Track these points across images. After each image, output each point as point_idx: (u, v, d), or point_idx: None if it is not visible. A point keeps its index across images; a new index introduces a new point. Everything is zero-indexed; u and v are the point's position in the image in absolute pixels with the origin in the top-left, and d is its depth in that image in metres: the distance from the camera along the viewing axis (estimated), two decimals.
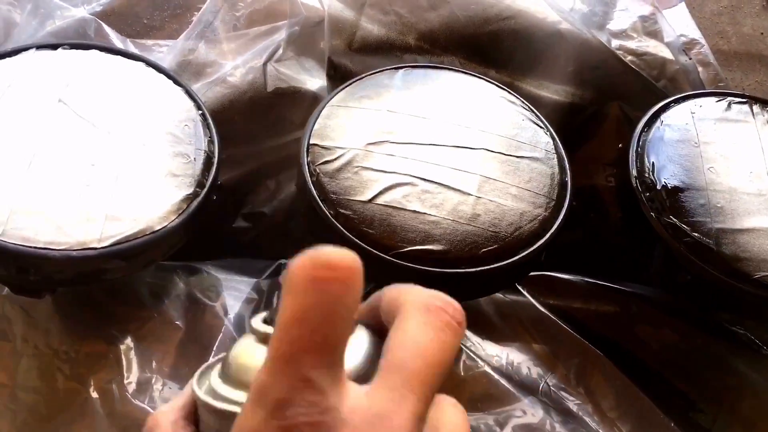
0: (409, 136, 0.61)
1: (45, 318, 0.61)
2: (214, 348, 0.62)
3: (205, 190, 0.59)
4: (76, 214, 0.54)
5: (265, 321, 0.30)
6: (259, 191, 0.73)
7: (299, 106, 0.73)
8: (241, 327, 0.64)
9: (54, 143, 0.57)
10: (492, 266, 0.56)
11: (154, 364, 0.61)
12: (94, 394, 0.59)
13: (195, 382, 0.30)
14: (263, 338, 0.29)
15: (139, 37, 0.76)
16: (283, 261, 0.69)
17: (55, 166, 0.55)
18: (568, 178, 0.62)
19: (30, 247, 0.52)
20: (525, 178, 0.60)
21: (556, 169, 0.62)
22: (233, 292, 0.66)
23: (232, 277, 0.67)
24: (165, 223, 0.56)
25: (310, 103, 0.73)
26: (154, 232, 0.55)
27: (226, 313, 0.64)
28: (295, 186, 0.71)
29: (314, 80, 0.74)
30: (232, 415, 0.26)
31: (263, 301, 0.65)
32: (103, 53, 0.65)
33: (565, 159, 0.63)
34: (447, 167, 0.59)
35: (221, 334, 0.63)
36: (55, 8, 0.71)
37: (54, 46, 0.64)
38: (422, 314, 0.27)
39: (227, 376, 0.29)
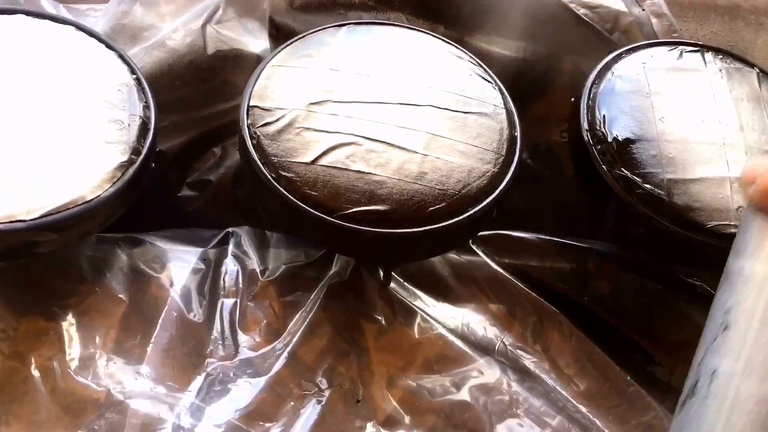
0: (352, 94, 0.59)
1: None
2: (160, 320, 0.60)
3: (141, 157, 0.57)
4: (3, 186, 0.51)
5: None
6: (204, 158, 0.71)
7: (243, 69, 0.70)
8: (188, 298, 0.62)
9: None
10: (440, 225, 0.54)
11: (97, 339, 0.59)
12: (35, 373, 0.57)
13: None
14: None
15: (72, 2, 0.73)
16: (230, 230, 0.67)
17: None
18: (518, 134, 0.61)
19: None
20: (473, 134, 0.59)
21: (505, 125, 0.60)
22: (179, 262, 0.64)
23: (177, 248, 0.65)
24: (99, 192, 0.54)
25: (254, 65, 0.70)
26: (86, 202, 0.53)
27: (171, 284, 0.62)
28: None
29: (257, 42, 0.72)
30: None
31: (210, 270, 0.64)
32: (30, 18, 0.61)
33: (515, 114, 0.62)
34: (392, 125, 0.58)
35: (167, 306, 0.61)
36: None
37: None
38: None
39: None
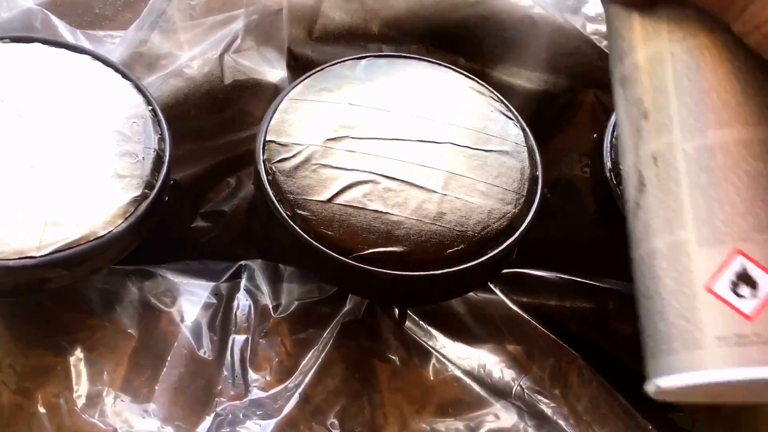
0: (371, 130, 0.58)
1: None
2: (169, 357, 0.58)
3: (155, 191, 0.56)
4: (14, 220, 0.50)
5: None
6: (218, 189, 0.70)
7: (260, 99, 0.69)
8: (198, 334, 0.60)
9: None
10: (458, 268, 0.53)
11: (105, 375, 0.58)
12: (41, 409, 0.55)
13: None
14: None
15: (90, 28, 0.72)
16: (243, 263, 0.66)
17: None
18: (539, 172, 0.59)
19: None
20: (493, 174, 0.57)
21: (527, 163, 0.59)
22: (190, 296, 0.63)
23: (189, 281, 0.64)
24: (110, 228, 0.53)
25: (271, 95, 0.69)
26: (98, 238, 0.52)
27: (182, 319, 0.61)
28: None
29: (275, 71, 0.71)
30: None
31: (222, 305, 0.62)
32: (46, 46, 0.61)
33: (536, 152, 0.60)
34: (411, 163, 0.56)
35: (177, 342, 0.59)
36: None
37: None
38: None
39: None
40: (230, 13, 0.68)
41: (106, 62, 0.62)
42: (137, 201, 0.55)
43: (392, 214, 0.54)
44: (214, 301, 0.63)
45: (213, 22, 0.69)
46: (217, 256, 0.68)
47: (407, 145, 0.57)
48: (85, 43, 0.68)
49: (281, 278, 0.65)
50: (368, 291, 0.57)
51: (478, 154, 0.58)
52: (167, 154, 0.58)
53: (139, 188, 0.55)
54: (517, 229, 0.56)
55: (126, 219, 0.54)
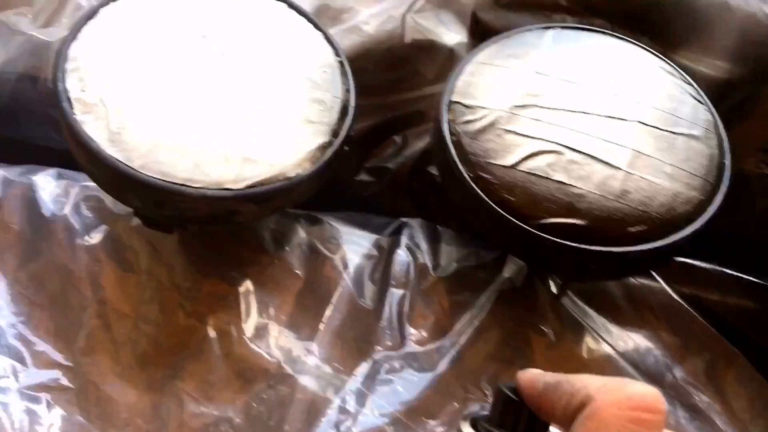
0: (557, 101, 0.57)
1: (170, 254, 0.61)
2: (333, 301, 0.60)
3: (340, 139, 0.57)
4: (214, 153, 0.53)
5: (474, 426, 0.28)
6: (384, 146, 0.71)
7: (434, 61, 0.70)
8: (359, 283, 0.62)
9: (196, 80, 0.56)
10: (639, 248, 0.52)
11: (271, 310, 0.60)
12: (212, 334, 0.59)
13: None
14: None
15: None
16: (403, 219, 0.67)
17: (197, 103, 0.55)
18: (727, 161, 0.57)
19: (168, 181, 0.51)
20: (681, 157, 0.56)
21: (716, 151, 0.57)
22: (353, 246, 0.64)
23: (353, 231, 0.65)
24: (299, 171, 0.55)
25: (446, 58, 0.70)
26: (288, 179, 0.54)
27: (345, 266, 0.63)
28: (428, 143, 0.69)
29: (451, 35, 0.71)
30: None
31: (383, 258, 0.64)
32: None
33: (725, 140, 0.58)
34: (596, 137, 0.56)
35: (339, 288, 0.61)
36: None
37: None
38: (620, 411, 0.25)
39: None
40: None
41: (300, 11, 0.63)
42: (324, 147, 0.56)
43: (575, 187, 0.53)
44: (376, 253, 0.64)
45: None
46: (377, 210, 0.69)
47: (593, 119, 0.57)
48: None
49: (439, 239, 0.66)
50: (540, 260, 0.57)
51: (666, 135, 0.57)
52: (352, 104, 0.59)
53: (326, 135, 0.57)
54: (701, 216, 0.54)
55: (313, 163, 0.55)
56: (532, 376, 0.29)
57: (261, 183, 0.53)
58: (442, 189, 0.67)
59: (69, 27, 0.58)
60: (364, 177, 0.71)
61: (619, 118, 0.57)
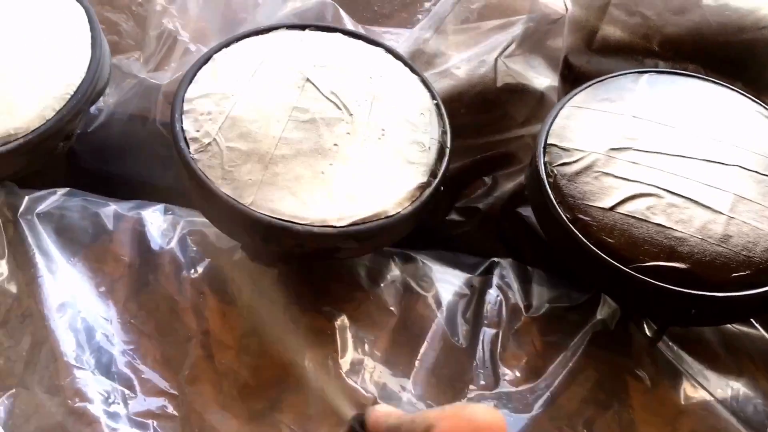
0: (654, 144, 0.58)
1: (270, 288, 0.63)
2: (427, 339, 0.61)
3: (438, 180, 0.59)
4: (319, 192, 0.55)
5: None
6: (474, 186, 0.73)
7: (525, 104, 0.71)
8: (453, 321, 0.63)
9: (301, 122, 0.58)
10: (743, 293, 0.52)
11: (366, 346, 0.61)
12: (310, 367, 0.60)
13: None
14: None
15: (369, 24, 0.77)
16: (495, 259, 0.67)
17: (302, 143, 0.57)
18: None
19: (276, 218, 0.54)
20: None
21: None
22: (445, 284, 0.65)
23: (444, 269, 0.66)
24: (399, 209, 0.56)
25: (537, 101, 0.71)
26: (388, 217, 0.56)
27: (438, 304, 0.64)
28: (519, 184, 0.70)
29: (540, 79, 0.72)
30: None
31: (474, 297, 0.65)
32: (346, 36, 0.66)
33: None
34: (696, 181, 0.56)
35: (433, 326, 0.62)
36: None
37: (302, 27, 0.66)
38: None
39: None
40: (509, 18, 0.71)
41: (397, 56, 0.66)
42: (422, 187, 0.58)
43: (676, 230, 0.53)
44: (467, 292, 0.65)
45: (490, 26, 0.71)
46: (467, 250, 0.70)
47: (692, 162, 0.57)
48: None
49: (530, 279, 0.67)
50: (638, 303, 0.57)
51: (767, 180, 0.56)
52: (449, 146, 0.61)
53: (425, 175, 0.59)
54: None
55: (412, 203, 0.57)
56: (378, 415, 0.28)
57: (363, 221, 0.55)
58: (534, 230, 0.67)
59: (183, 71, 0.61)
60: (455, 217, 0.72)
61: (718, 162, 0.57)
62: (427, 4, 0.77)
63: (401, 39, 0.75)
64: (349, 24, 0.75)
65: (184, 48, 0.73)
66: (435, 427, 0.23)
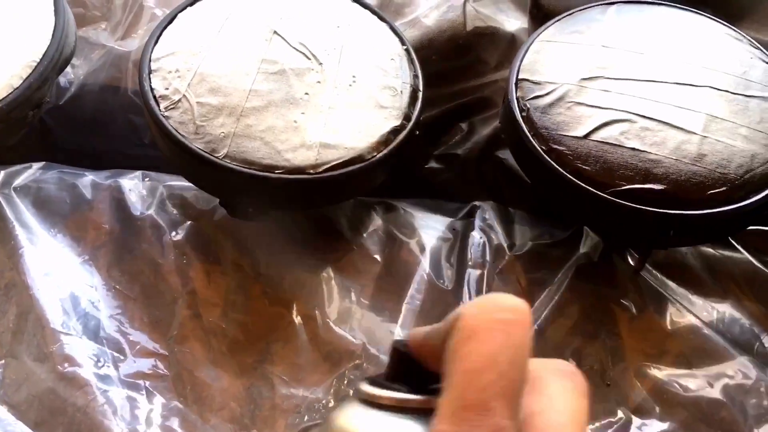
0: (625, 71, 0.58)
1: (253, 245, 0.63)
2: (413, 283, 0.62)
3: (411, 123, 0.59)
4: (293, 140, 0.55)
5: (373, 384, 0.29)
6: (452, 133, 0.72)
7: (496, 47, 0.71)
8: (437, 265, 0.63)
9: (270, 73, 0.58)
10: (720, 209, 0.52)
11: (353, 294, 0.62)
12: (298, 319, 0.60)
13: None
14: (373, 402, 0.28)
15: None
16: (476, 203, 0.68)
17: (273, 94, 0.57)
18: None
19: (251, 169, 0.54)
20: (756, 119, 0.55)
21: None
22: (428, 230, 0.65)
23: (426, 215, 0.67)
24: (374, 153, 0.56)
25: (508, 44, 0.71)
26: (364, 161, 0.56)
27: (422, 249, 0.64)
28: (496, 127, 0.70)
29: (511, 21, 0.72)
30: None
31: (458, 240, 0.65)
32: None
33: None
34: (668, 104, 0.56)
35: (419, 270, 0.62)
36: None
37: None
38: (562, 379, 0.25)
39: None
40: None
41: (364, 5, 0.65)
42: (396, 130, 0.58)
43: (650, 153, 0.54)
44: (450, 236, 0.65)
45: None
46: (448, 197, 0.70)
47: (663, 86, 0.57)
48: None
49: (512, 220, 0.67)
50: (618, 230, 0.57)
51: (738, 98, 0.56)
52: (421, 89, 0.61)
53: (398, 119, 0.58)
54: None
55: (387, 146, 0.57)
56: (417, 329, 0.29)
57: (340, 166, 0.55)
58: (513, 172, 0.68)
59: (149, 33, 0.61)
60: (434, 164, 0.72)
61: (689, 85, 0.57)
62: None
63: None
64: None
65: (151, 14, 0.73)
66: (462, 314, 0.24)
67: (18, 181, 0.65)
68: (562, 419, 0.24)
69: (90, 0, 0.75)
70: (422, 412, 0.27)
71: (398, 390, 0.27)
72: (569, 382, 0.25)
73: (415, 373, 0.27)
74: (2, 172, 0.65)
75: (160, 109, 0.55)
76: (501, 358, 0.22)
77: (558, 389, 0.24)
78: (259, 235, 0.63)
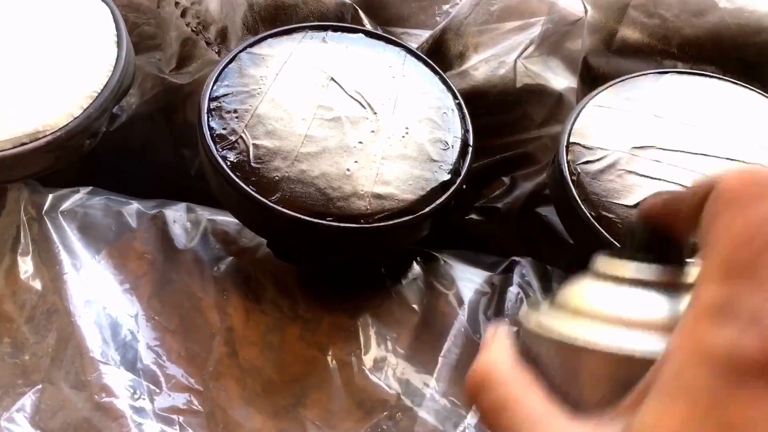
0: (677, 143, 0.58)
1: (293, 286, 0.63)
2: (450, 336, 0.62)
3: (460, 178, 0.59)
4: (345, 188, 0.56)
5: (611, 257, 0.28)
6: (493, 186, 0.73)
7: (543, 104, 0.72)
8: (474, 319, 0.63)
9: (326, 120, 0.59)
10: None
11: (389, 343, 0.62)
12: (333, 364, 0.60)
13: (528, 321, 0.28)
14: (607, 277, 0.27)
15: (388, 25, 0.78)
16: (515, 258, 0.68)
17: (327, 141, 0.58)
18: None
19: (302, 214, 0.54)
20: None
21: None
22: (466, 282, 0.66)
23: (465, 268, 0.67)
24: (424, 207, 0.57)
25: (555, 102, 0.71)
26: (413, 214, 0.56)
27: (460, 302, 0.64)
28: (538, 184, 0.71)
29: (558, 79, 0.73)
30: (598, 351, 0.24)
31: (495, 295, 0.65)
32: (367, 37, 0.67)
33: None
34: None
35: (456, 323, 0.63)
36: None
37: (324, 27, 0.66)
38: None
39: (577, 314, 0.27)
40: (528, 20, 0.71)
41: (418, 56, 0.67)
42: (446, 185, 0.59)
43: None
44: (488, 290, 0.65)
45: (508, 28, 0.72)
46: (486, 249, 0.70)
47: (714, 161, 0.57)
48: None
49: (550, 278, 0.67)
50: None
51: None
52: (471, 144, 0.62)
53: (448, 173, 0.59)
54: None
55: (436, 200, 0.58)
56: (654, 197, 0.28)
57: (391, 217, 0.56)
58: (553, 229, 0.68)
59: (205, 71, 0.62)
60: (474, 216, 0.73)
61: (740, 161, 0.57)
62: (445, 7, 0.78)
63: (421, 40, 0.76)
64: (368, 25, 0.76)
65: (206, 48, 0.74)
66: (721, 181, 0.23)
67: (65, 205, 0.66)
68: None
69: (146, 29, 0.76)
70: (667, 286, 0.26)
71: (640, 261, 0.26)
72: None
73: (654, 241, 0.26)
74: (50, 196, 0.66)
75: (216, 149, 0.56)
76: (765, 227, 0.21)
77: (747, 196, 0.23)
78: (300, 276, 0.64)
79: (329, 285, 0.64)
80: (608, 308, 0.26)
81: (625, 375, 0.23)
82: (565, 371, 0.26)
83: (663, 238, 0.27)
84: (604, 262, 0.28)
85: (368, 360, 0.61)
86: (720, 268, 0.21)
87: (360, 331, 0.62)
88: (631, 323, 0.25)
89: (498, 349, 0.28)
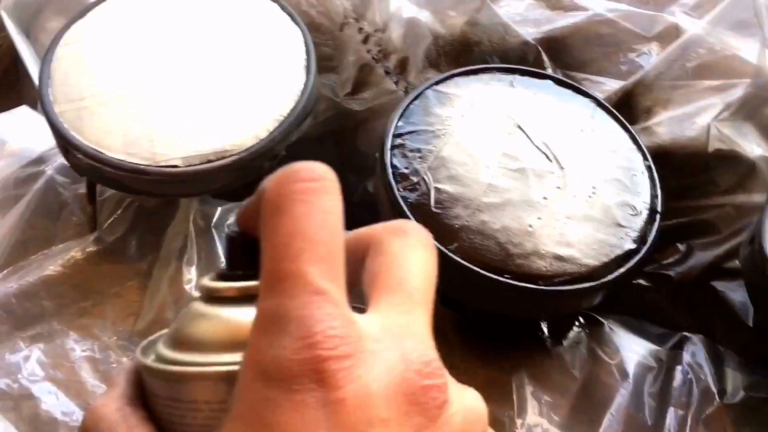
0: None
1: (450, 333, 0.61)
2: (612, 410, 0.58)
3: (646, 246, 0.56)
4: (526, 245, 0.54)
5: (218, 278, 0.27)
6: (667, 252, 0.68)
7: (733, 172, 0.66)
8: (638, 394, 0.59)
9: (510, 170, 0.57)
10: None
11: (545, 408, 0.59)
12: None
13: (140, 355, 0.27)
14: (217, 297, 0.26)
15: (568, 69, 0.75)
16: (686, 334, 0.63)
17: (511, 193, 0.55)
18: None
19: (480, 269, 0.52)
20: None
21: None
22: (631, 353, 0.61)
23: (631, 337, 0.63)
24: (608, 275, 0.54)
25: (747, 170, 0.66)
26: (594, 280, 0.53)
27: (623, 374, 0.60)
28: (717, 257, 0.66)
29: (752, 146, 0.68)
30: (188, 376, 0.24)
31: (661, 373, 0.61)
32: (556, 84, 0.64)
33: None
34: None
35: (618, 396, 0.59)
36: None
37: (512, 70, 0.64)
38: (401, 237, 0.26)
39: (177, 342, 0.26)
40: (728, 80, 0.66)
41: (608, 109, 0.63)
42: (631, 253, 0.55)
43: None
44: (654, 365, 0.61)
45: (704, 86, 0.67)
46: (651, 318, 0.66)
47: None
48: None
49: (723, 362, 0.62)
50: None
51: None
52: (659, 210, 0.58)
53: (633, 242, 0.56)
54: None
55: (619, 268, 0.54)
56: (240, 209, 0.27)
57: (568, 282, 0.53)
58: (730, 308, 0.63)
59: (380, 100, 0.61)
60: (642, 282, 0.68)
61: None
62: (630, 55, 0.74)
63: (603, 87, 0.72)
64: (549, 68, 0.73)
65: (383, 76, 0.73)
66: (264, 189, 0.23)
67: (232, 219, 0.67)
68: (404, 274, 0.25)
69: (323, 50, 0.76)
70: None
71: (239, 278, 0.26)
72: (409, 238, 0.25)
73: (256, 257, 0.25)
74: (219, 209, 0.67)
75: (398, 188, 0.55)
76: (307, 226, 0.22)
77: (398, 247, 0.25)
78: (460, 324, 0.62)
79: (489, 339, 0.62)
80: (206, 332, 0.25)
81: (219, 398, 0.23)
82: (170, 403, 0.25)
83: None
84: (206, 283, 0.27)
85: (522, 423, 0.58)
86: (265, 279, 0.22)
87: (514, 390, 0.59)
88: (226, 345, 0.25)
89: (111, 390, 0.27)
